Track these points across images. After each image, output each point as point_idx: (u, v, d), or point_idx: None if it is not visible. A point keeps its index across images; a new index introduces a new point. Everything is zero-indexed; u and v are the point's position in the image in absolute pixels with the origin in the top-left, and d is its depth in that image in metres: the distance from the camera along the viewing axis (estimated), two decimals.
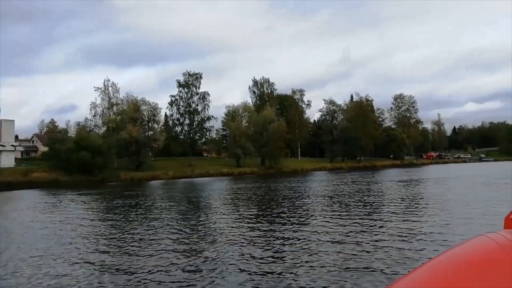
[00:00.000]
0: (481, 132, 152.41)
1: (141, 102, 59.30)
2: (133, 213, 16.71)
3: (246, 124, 68.65)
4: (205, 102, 65.94)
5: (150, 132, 59.57)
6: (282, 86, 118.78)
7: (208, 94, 66.29)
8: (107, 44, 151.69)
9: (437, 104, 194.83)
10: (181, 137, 66.32)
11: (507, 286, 0.70)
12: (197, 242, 10.01)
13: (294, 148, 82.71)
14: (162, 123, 67.34)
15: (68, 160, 45.34)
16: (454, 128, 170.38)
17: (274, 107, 73.45)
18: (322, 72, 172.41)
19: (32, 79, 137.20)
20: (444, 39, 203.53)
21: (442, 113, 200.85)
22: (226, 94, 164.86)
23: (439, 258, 0.82)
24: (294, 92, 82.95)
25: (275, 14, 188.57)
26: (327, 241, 9.36)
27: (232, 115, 67.14)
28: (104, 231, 12.39)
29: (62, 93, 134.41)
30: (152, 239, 10.44)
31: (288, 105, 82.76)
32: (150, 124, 59.22)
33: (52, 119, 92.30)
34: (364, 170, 68.55)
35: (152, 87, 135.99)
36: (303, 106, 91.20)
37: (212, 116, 66.49)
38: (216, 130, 72.79)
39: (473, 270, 0.74)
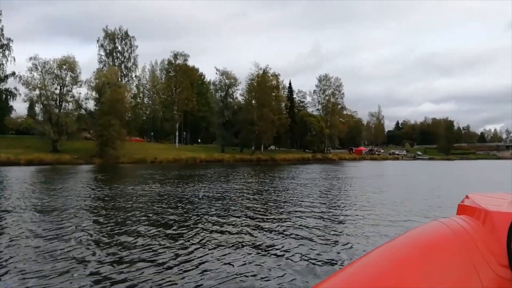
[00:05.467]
0: (422, 128, 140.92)
1: None
2: None
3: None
4: (6, 53, 43.24)
5: None
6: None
7: (11, 40, 43.53)
8: (70, 15, 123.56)
9: (396, 102, 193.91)
10: None
11: (458, 271, 0.69)
12: None
13: (171, 131, 62.12)
14: None
15: None
16: (397, 122, 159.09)
17: (119, 68, 51.95)
18: (291, 62, 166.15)
19: None
20: (404, 42, 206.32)
21: (400, 111, 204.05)
22: None
23: (392, 242, 0.79)
24: (175, 56, 60.93)
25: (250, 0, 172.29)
26: None
27: (42, 72, 43.97)
28: None
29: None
30: None
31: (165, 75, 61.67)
32: None
33: None
34: (252, 164, 49.87)
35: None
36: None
37: (15, 74, 43.68)
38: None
39: (425, 255, 0.72)
